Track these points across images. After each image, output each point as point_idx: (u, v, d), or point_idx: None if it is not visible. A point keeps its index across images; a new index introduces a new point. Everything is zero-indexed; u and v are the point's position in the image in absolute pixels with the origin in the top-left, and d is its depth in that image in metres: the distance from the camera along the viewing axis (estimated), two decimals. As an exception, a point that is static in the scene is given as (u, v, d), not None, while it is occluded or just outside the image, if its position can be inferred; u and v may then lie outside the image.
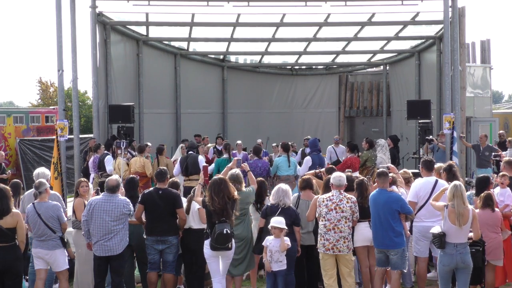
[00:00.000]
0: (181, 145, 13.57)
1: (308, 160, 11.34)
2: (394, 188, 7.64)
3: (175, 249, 7.42)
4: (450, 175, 7.97)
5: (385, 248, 7.11)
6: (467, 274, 6.58)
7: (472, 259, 6.60)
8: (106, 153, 12.14)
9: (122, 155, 11.56)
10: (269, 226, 6.99)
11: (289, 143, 13.59)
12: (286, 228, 6.91)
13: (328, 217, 7.02)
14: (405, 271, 7.29)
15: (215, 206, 6.78)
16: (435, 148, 13.54)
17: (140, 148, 12.01)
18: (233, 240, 6.88)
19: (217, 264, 7.00)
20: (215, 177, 7.13)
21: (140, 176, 10.42)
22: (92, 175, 12.56)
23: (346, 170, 9.50)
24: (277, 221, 6.91)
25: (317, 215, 7.17)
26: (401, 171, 8.77)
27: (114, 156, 12.01)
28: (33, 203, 7.18)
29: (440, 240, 6.58)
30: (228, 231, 6.70)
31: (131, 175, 8.77)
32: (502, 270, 7.56)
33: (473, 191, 7.93)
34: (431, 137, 13.43)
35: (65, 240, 7.31)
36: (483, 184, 7.65)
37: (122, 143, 11.60)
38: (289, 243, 6.90)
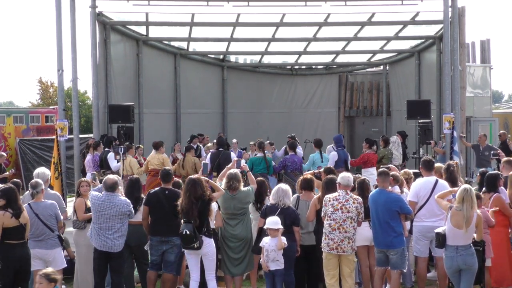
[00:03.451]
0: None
1: (334, 155, 11.60)
2: (396, 188, 7.67)
3: (178, 250, 7.36)
4: (448, 174, 8.00)
5: (385, 248, 7.11)
6: (471, 276, 6.54)
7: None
8: (107, 150, 11.83)
9: (121, 160, 11.23)
10: (264, 227, 7.00)
11: (268, 141, 13.66)
12: (282, 227, 6.91)
13: (334, 216, 7.01)
14: (405, 271, 7.29)
15: (182, 205, 6.85)
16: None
17: (156, 144, 11.94)
18: (205, 240, 6.89)
19: (194, 262, 7.06)
20: (189, 177, 7.17)
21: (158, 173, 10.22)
22: (89, 174, 11.88)
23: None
24: (272, 222, 6.91)
25: (322, 214, 7.16)
26: (402, 171, 8.78)
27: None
28: (29, 204, 7.16)
29: (439, 239, 6.58)
30: (188, 232, 6.70)
31: (134, 175, 8.72)
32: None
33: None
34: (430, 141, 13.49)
35: (63, 238, 7.31)
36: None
37: (120, 148, 11.30)
38: (286, 242, 6.90)
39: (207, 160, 11.32)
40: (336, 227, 7.01)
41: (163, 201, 7.32)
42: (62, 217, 7.30)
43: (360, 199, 7.18)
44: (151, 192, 7.55)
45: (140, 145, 13.56)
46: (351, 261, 7.13)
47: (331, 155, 11.77)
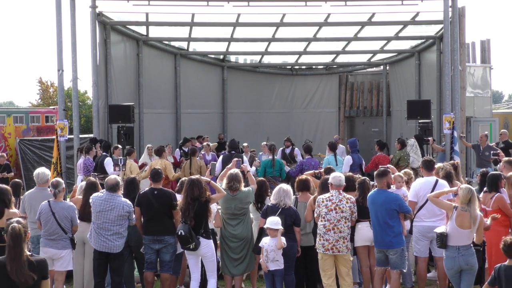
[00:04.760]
0: (148, 145, 13.35)
1: (349, 159, 11.56)
2: (401, 191, 7.67)
3: (172, 249, 7.37)
4: (443, 172, 8.03)
5: (384, 247, 7.10)
6: (472, 276, 6.53)
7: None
8: (105, 155, 11.64)
9: (121, 172, 10.89)
10: (264, 226, 7.00)
11: (265, 143, 13.52)
12: (282, 228, 6.91)
13: (328, 217, 7.02)
14: (404, 270, 7.28)
15: (180, 206, 6.91)
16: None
17: (158, 151, 11.86)
18: (203, 241, 6.90)
19: (194, 262, 7.09)
20: (189, 177, 7.18)
21: None
22: (80, 177, 11.59)
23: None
24: (272, 222, 6.90)
25: (315, 215, 7.16)
26: (402, 171, 8.78)
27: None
28: (48, 201, 7.17)
29: (441, 240, 6.55)
30: (183, 233, 6.72)
31: (132, 176, 8.70)
32: None
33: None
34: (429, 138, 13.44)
35: (75, 241, 7.30)
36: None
37: (119, 160, 11.06)
38: (285, 242, 6.90)
39: (218, 162, 11.23)
40: (331, 228, 7.01)
41: (152, 201, 7.31)
42: (78, 222, 7.30)
43: (353, 199, 7.20)
44: (140, 193, 7.53)
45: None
46: (348, 260, 7.14)
47: (346, 159, 11.68)
